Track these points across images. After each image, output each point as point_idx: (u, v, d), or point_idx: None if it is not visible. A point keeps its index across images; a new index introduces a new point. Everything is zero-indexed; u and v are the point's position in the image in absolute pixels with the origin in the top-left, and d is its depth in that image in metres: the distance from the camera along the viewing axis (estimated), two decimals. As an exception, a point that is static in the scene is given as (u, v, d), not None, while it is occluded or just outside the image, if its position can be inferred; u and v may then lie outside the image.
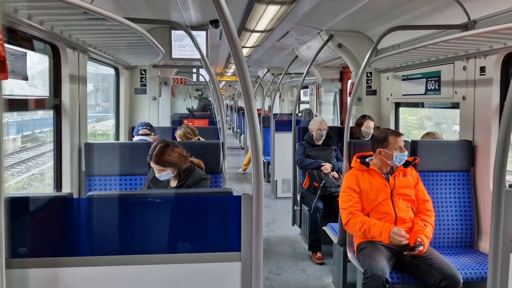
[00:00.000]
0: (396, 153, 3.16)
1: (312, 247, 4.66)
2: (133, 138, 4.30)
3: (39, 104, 3.19)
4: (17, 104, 2.88)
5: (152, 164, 2.99)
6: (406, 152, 3.20)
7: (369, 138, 4.65)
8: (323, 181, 4.68)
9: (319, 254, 4.59)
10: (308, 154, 4.96)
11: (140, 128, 4.24)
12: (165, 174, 2.98)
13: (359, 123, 4.80)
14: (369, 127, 4.71)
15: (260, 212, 1.79)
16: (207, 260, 1.86)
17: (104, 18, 2.28)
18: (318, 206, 4.57)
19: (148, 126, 4.30)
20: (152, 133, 4.26)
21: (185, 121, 6.43)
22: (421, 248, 2.90)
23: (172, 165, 2.96)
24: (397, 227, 2.98)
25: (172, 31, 5.07)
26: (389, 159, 3.18)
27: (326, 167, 4.76)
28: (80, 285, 1.80)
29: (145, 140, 4.11)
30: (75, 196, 3.11)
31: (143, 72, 5.49)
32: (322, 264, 4.48)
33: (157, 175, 2.99)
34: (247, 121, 1.73)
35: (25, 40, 2.73)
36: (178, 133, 4.43)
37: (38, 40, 2.93)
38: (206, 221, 1.95)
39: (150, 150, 3.01)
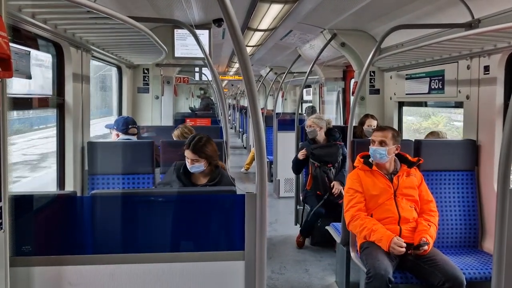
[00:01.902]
0: (370, 146, 3.25)
1: (302, 232, 4.89)
2: (116, 134, 4.03)
3: (43, 102, 3.20)
4: (21, 103, 2.89)
5: (188, 153, 2.99)
6: (374, 147, 3.21)
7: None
8: (328, 194, 4.62)
9: (301, 239, 4.89)
10: (312, 153, 4.83)
11: (131, 127, 4.01)
12: (197, 165, 2.97)
13: (361, 122, 4.79)
14: (370, 125, 4.69)
15: (264, 211, 1.79)
16: (210, 259, 1.86)
17: (107, 16, 2.28)
18: (320, 211, 4.60)
19: (135, 124, 4.11)
20: (138, 131, 4.14)
21: (188, 120, 6.43)
22: (426, 247, 2.89)
23: (206, 157, 2.98)
24: (398, 237, 2.98)
25: (175, 30, 5.07)
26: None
27: (336, 187, 4.58)
28: (84, 283, 1.80)
29: (131, 139, 3.95)
30: (78, 195, 3.12)
31: (145, 71, 5.49)
32: (298, 247, 4.88)
33: (189, 166, 2.98)
34: (251, 120, 1.72)
35: (29, 39, 2.74)
36: (176, 133, 4.28)
37: (41, 39, 2.93)
38: (210, 220, 1.95)
39: (187, 140, 3.06)
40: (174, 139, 4.27)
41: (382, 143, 3.19)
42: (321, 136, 4.85)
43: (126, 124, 4.03)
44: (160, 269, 1.84)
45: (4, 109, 1.53)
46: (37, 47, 2.90)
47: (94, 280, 1.81)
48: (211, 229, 1.95)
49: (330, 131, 4.90)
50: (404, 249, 2.91)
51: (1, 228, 1.54)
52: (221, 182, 3.02)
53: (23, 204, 1.76)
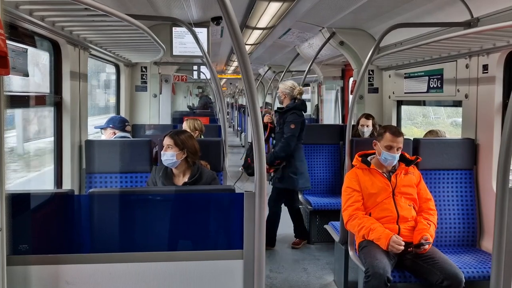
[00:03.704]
0: (384, 150, 3.14)
1: (296, 232, 4.95)
2: (112, 133, 4.07)
3: (40, 100, 3.18)
4: (18, 101, 2.87)
5: (166, 139, 3.01)
6: (395, 154, 3.13)
7: (366, 136, 4.62)
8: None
9: (297, 240, 4.91)
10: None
11: (127, 124, 4.13)
12: (170, 153, 2.96)
13: (357, 122, 4.77)
14: (363, 125, 4.65)
15: (262, 209, 1.78)
16: (209, 258, 1.86)
17: (105, 14, 2.27)
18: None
19: (128, 121, 4.23)
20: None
21: (186, 118, 6.42)
22: (427, 246, 2.89)
23: (183, 147, 2.97)
24: (396, 235, 2.97)
25: (173, 28, 5.05)
26: (378, 154, 3.20)
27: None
28: (81, 282, 1.79)
29: (128, 137, 4.04)
30: (76, 193, 3.11)
31: (143, 69, 5.47)
32: (292, 248, 4.86)
33: (162, 152, 2.99)
34: (250, 118, 1.71)
35: (26, 36, 2.72)
36: (185, 125, 4.31)
37: (39, 37, 2.92)
38: (209, 219, 1.94)
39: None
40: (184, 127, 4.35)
41: (398, 149, 3.16)
42: (285, 103, 4.59)
43: (123, 122, 4.13)
44: (158, 268, 1.83)
45: (2, 107, 1.52)
46: (34, 45, 2.88)
47: (91, 279, 1.80)
48: (210, 228, 1.94)
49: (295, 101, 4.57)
50: (402, 247, 2.90)
51: None
52: (201, 179, 3.02)
53: (20, 202, 1.76)
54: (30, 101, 2.98)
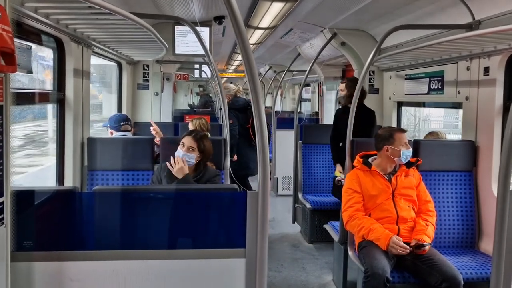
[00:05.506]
0: (403, 149, 3.18)
1: None
2: (110, 132, 4.05)
3: (43, 97, 3.19)
4: (21, 98, 2.88)
5: (188, 139, 3.03)
6: (411, 149, 3.23)
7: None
8: None
9: None
10: None
11: (123, 124, 4.04)
12: (190, 156, 3.01)
13: None
14: None
15: (265, 209, 1.79)
16: (211, 256, 1.86)
17: (109, 12, 2.28)
18: None
19: (129, 121, 4.17)
20: (132, 128, 4.20)
21: (187, 117, 6.43)
22: (426, 247, 2.91)
23: (202, 151, 3.04)
24: (397, 236, 2.99)
25: (176, 26, 5.05)
26: (396, 155, 3.19)
27: None
28: (85, 279, 1.80)
29: (126, 135, 4.02)
30: None
31: (145, 68, 5.48)
32: None
33: (181, 152, 3.01)
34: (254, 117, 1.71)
35: (30, 34, 2.73)
36: (191, 124, 4.34)
37: (43, 34, 2.92)
38: (212, 217, 1.95)
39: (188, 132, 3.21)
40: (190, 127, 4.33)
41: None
42: None
43: (118, 122, 4.06)
44: (161, 266, 1.84)
45: (7, 103, 1.54)
46: (38, 42, 2.89)
47: (95, 276, 1.81)
48: (213, 227, 1.95)
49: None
50: (402, 250, 2.91)
51: (3, 223, 1.54)
52: (205, 174, 3.08)
53: (25, 199, 1.76)
54: (34, 98, 2.98)
